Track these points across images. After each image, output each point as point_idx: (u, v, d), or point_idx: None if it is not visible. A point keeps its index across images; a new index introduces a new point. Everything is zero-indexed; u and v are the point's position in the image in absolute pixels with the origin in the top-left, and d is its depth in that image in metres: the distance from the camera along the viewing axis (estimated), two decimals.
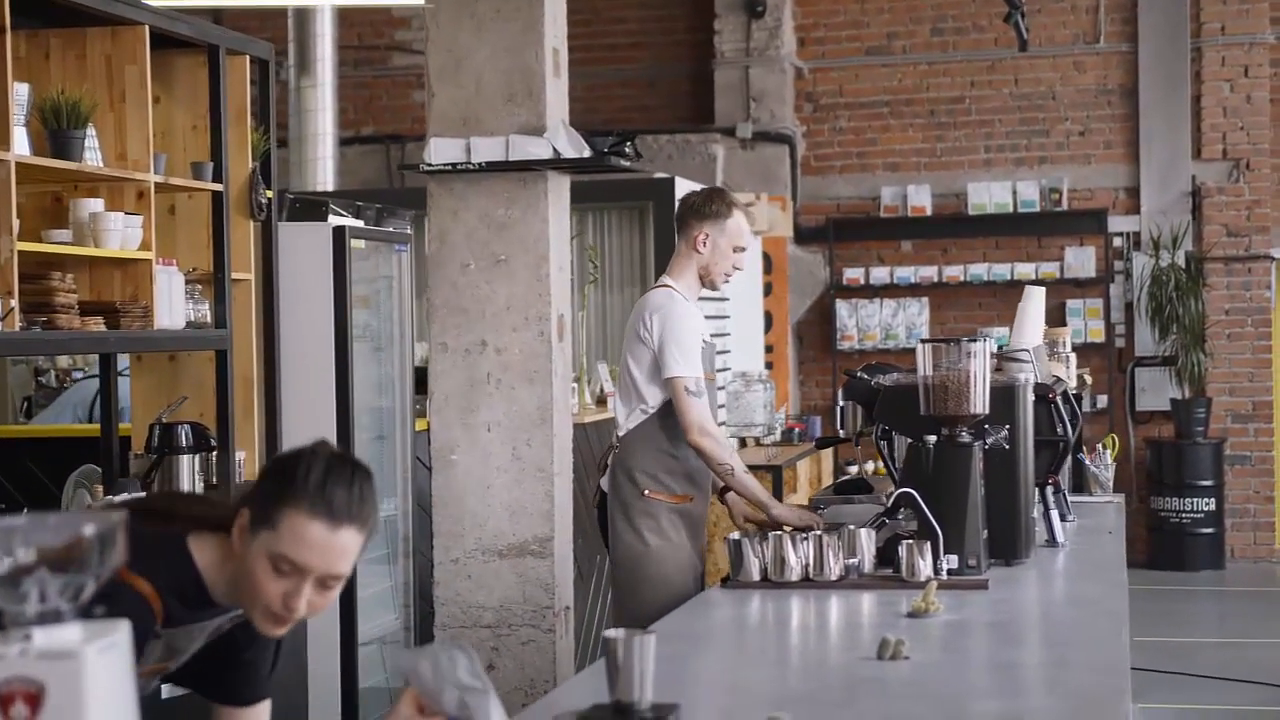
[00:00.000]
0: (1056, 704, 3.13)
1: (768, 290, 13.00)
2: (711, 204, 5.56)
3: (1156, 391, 13.18)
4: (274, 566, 2.68)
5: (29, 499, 6.53)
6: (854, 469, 12.67)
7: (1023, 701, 3.21)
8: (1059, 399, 5.29)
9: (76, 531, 1.81)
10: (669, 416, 5.42)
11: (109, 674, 1.81)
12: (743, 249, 5.60)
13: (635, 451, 5.48)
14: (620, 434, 5.53)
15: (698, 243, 5.53)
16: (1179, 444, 12.91)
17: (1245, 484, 13.21)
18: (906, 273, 13.47)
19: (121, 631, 1.85)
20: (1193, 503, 12.83)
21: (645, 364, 5.43)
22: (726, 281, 5.69)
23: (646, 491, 5.44)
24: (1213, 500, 12.85)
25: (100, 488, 5.69)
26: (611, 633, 2.83)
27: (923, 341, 4.66)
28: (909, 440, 4.75)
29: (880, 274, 13.50)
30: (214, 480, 5.84)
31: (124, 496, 5.29)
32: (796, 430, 11.29)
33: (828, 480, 10.93)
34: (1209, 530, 12.87)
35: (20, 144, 4.92)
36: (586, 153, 6.05)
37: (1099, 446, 6.84)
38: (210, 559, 2.79)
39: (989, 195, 13.33)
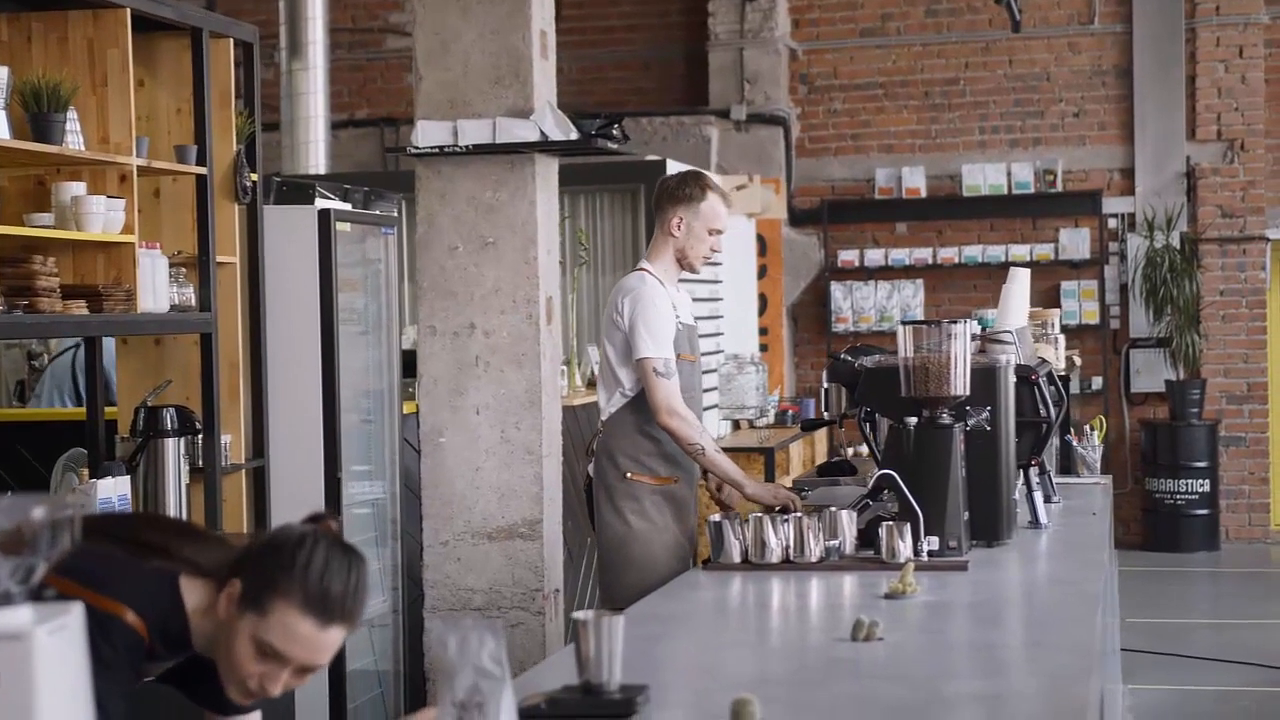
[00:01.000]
0: (1023, 683, 3.14)
1: (762, 272, 13.00)
2: (685, 187, 5.57)
3: (1151, 373, 13.18)
4: (257, 650, 2.68)
5: (20, 482, 6.54)
6: (849, 451, 12.69)
7: (990, 681, 3.21)
8: (1042, 380, 5.29)
9: (26, 515, 1.81)
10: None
11: (60, 656, 1.82)
12: (718, 231, 5.60)
13: (617, 435, 5.50)
14: (603, 418, 5.56)
15: (672, 226, 5.55)
16: (1174, 425, 12.91)
17: (1240, 465, 13.21)
18: (901, 255, 13.46)
19: (73, 614, 1.85)
20: (1187, 484, 12.83)
21: (620, 347, 5.48)
22: (707, 263, 5.70)
23: (629, 474, 5.47)
24: (1207, 482, 12.86)
25: (86, 471, 5.69)
26: (580, 615, 2.84)
27: (903, 323, 4.67)
28: (890, 422, 4.75)
29: (875, 256, 13.50)
30: (199, 464, 5.84)
31: (115, 510, 5.21)
32: (790, 413, 11.29)
33: (821, 462, 10.93)
34: (1204, 512, 12.88)
35: (1, 128, 4.92)
36: (573, 135, 6.04)
37: (1086, 428, 6.84)
38: (197, 604, 2.77)
39: (983, 177, 13.33)
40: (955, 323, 4.63)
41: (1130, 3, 13.25)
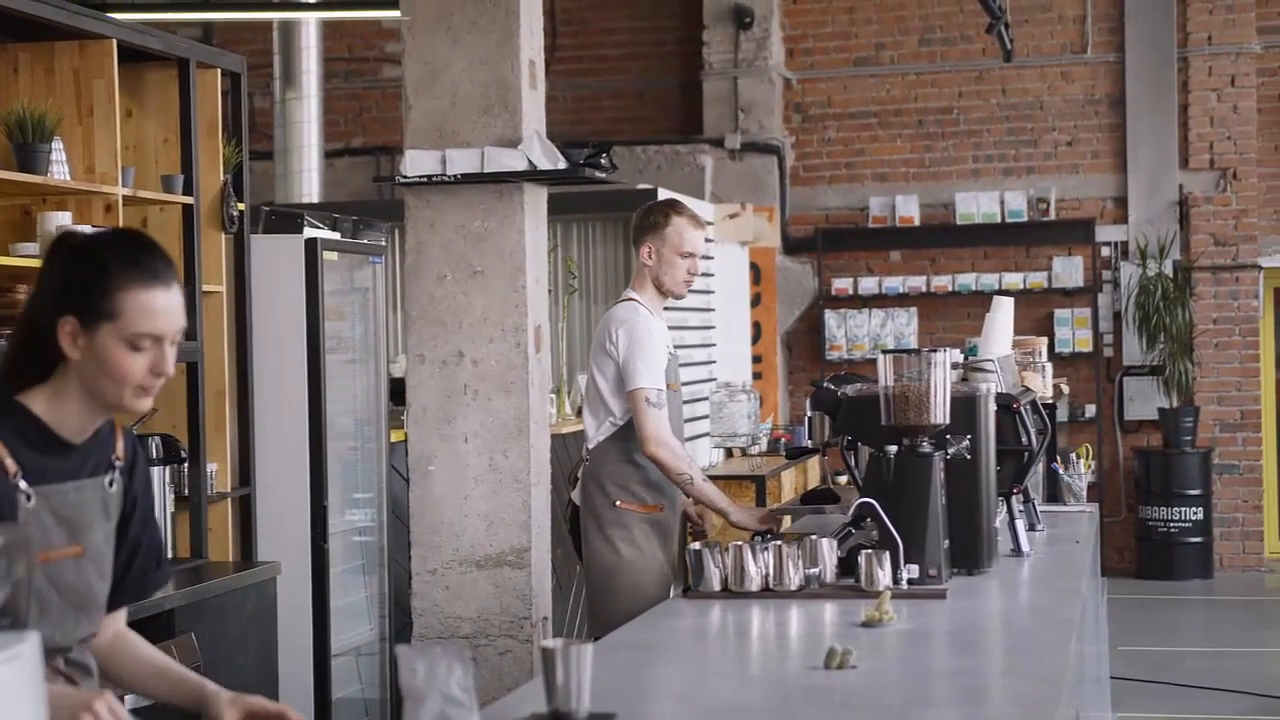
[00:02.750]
0: (991, 712, 3.14)
1: (756, 301, 13.03)
2: (649, 216, 5.72)
3: (1144, 401, 13.19)
4: (132, 347, 2.78)
5: None
6: (843, 479, 12.68)
7: (961, 710, 3.21)
8: (1025, 409, 5.30)
9: None
10: None
11: (14, 685, 1.83)
12: (690, 254, 5.66)
13: (606, 463, 5.55)
14: (590, 446, 5.60)
15: (644, 255, 5.67)
16: (1167, 453, 12.92)
17: (1233, 493, 13.21)
18: (895, 283, 13.48)
19: (29, 643, 1.86)
20: (1181, 512, 12.83)
21: (611, 377, 5.52)
22: (687, 287, 5.74)
23: (618, 502, 5.50)
24: (1201, 509, 12.86)
25: None
26: (548, 643, 2.85)
27: (884, 352, 4.68)
28: (871, 450, 4.76)
29: (869, 284, 13.52)
30: (185, 492, 5.86)
31: None
32: (783, 440, 11.30)
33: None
34: (1197, 539, 12.88)
35: None
36: (561, 164, 6.07)
37: (1073, 456, 6.84)
38: (44, 405, 2.84)
39: (977, 205, 13.35)
40: (935, 351, 4.64)
41: (1123, 32, 13.29)
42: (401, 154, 14.05)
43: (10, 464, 2.78)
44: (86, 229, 2.94)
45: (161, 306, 2.81)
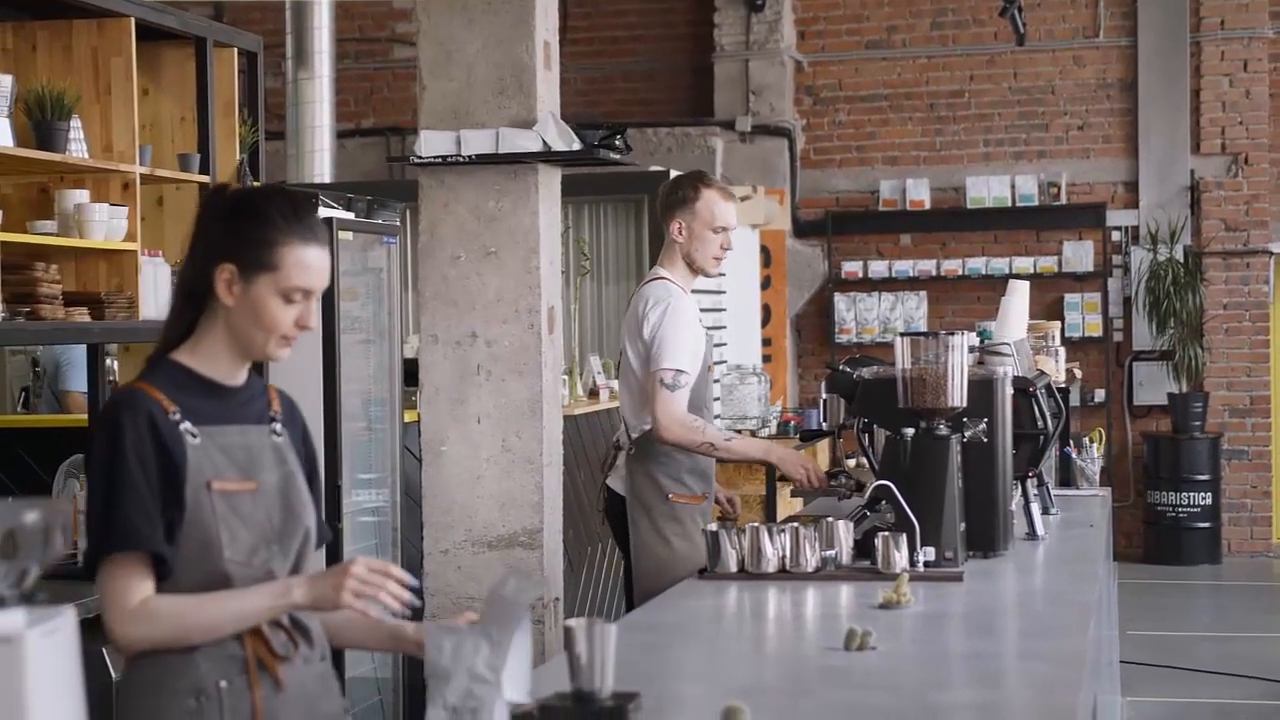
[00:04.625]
0: (1014, 694, 3.15)
1: (766, 283, 13.02)
2: (677, 190, 5.55)
3: (1154, 386, 13.19)
4: (285, 299, 2.94)
5: (21, 488, 6.56)
6: (851, 462, 12.69)
7: (982, 692, 3.22)
8: (1040, 392, 5.30)
9: (18, 519, 1.83)
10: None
11: (52, 659, 1.84)
12: (722, 229, 5.52)
13: (655, 452, 5.41)
14: (634, 435, 5.45)
15: (675, 232, 5.52)
16: (1176, 438, 12.92)
17: (1242, 478, 13.22)
18: (905, 266, 13.48)
19: (65, 617, 1.87)
20: (1189, 497, 12.84)
21: (646, 361, 5.40)
22: (719, 264, 5.60)
23: (670, 494, 5.39)
24: (1209, 494, 12.86)
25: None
26: (572, 622, 2.85)
27: (901, 334, 4.67)
28: (887, 433, 4.76)
29: (879, 268, 13.52)
30: None
31: None
32: (793, 423, 11.29)
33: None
34: (1206, 525, 12.88)
35: (4, 135, 4.95)
36: (576, 145, 6.06)
37: (1086, 440, 6.85)
38: (188, 355, 3.00)
39: (988, 189, 13.35)
40: (952, 334, 4.63)
41: (1135, 16, 13.27)
42: (412, 135, 14.04)
43: (169, 406, 2.93)
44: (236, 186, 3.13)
45: (317, 263, 2.97)
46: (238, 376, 3.05)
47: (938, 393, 4.59)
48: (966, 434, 4.67)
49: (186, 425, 2.93)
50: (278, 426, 3.10)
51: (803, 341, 13.83)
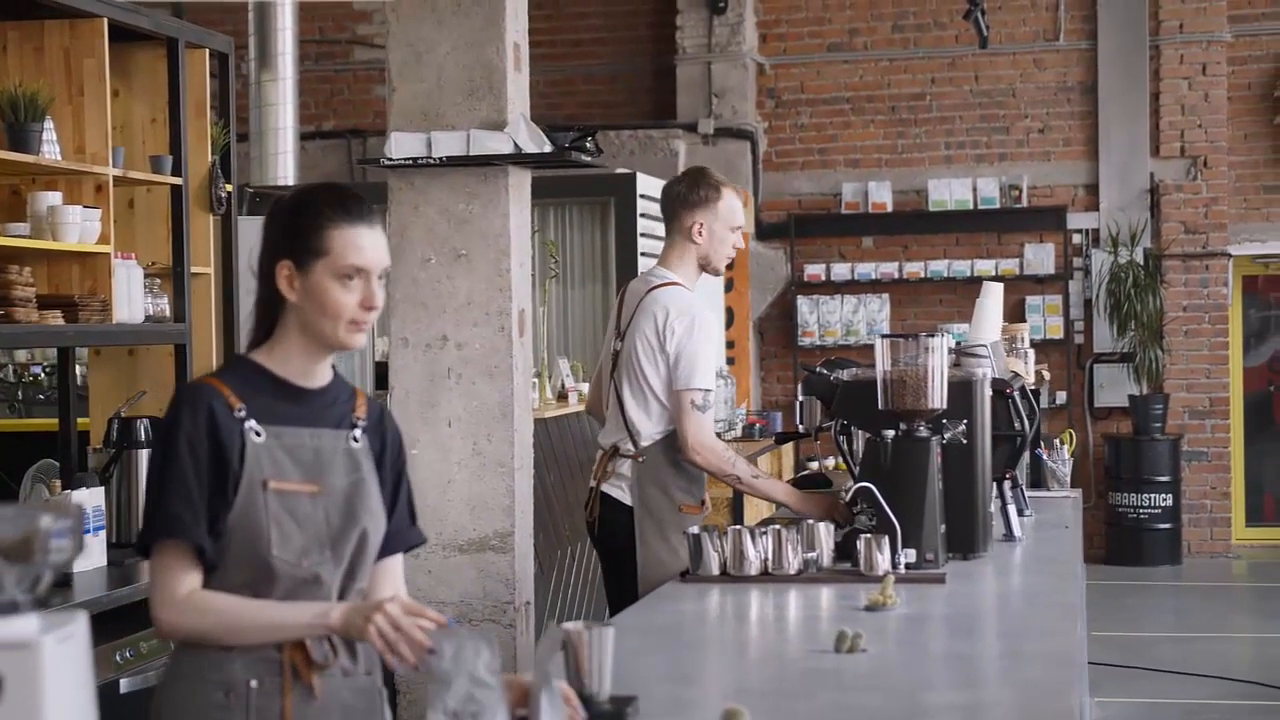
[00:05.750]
0: (1009, 695, 3.15)
1: (729, 286, 13.03)
2: (699, 189, 5.32)
3: (1115, 388, 13.26)
4: (342, 282, 2.98)
5: None
6: (814, 464, 12.72)
7: (976, 693, 3.23)
8: (1016, 394, 5.31)
9: (33, 523, 1.81)
10: None
11: (68, 665, 1.81)
12: (738, 227, 5.37)
13: (665, 462, 5.25)
14: (643, 443, 5.27)
15: (693, 233, 5.31)
16: (1137, 440, 12.99)
17: (1202, 480, 13.30)
18: (867, 269, 13.51)
19: (79, 623, 1.85)
20: (1150, 498, 12.91)
21: (665, 372, 5.21)
22: (727, 262, 5.47)
23: (682, 506, 5.26)
24: (1170, 496, 12.94)
25: (58, 482, 5.66)
26: (571, 625, 2.84)
27: (882, 336, 4.68)
28: (867, 435, 4.76)
29: (841, 270, 13.54)
30: None
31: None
32: (758, 426, 11.32)
33: (789, 475, 10.96)
34: (1166, 526, 12.96)
35: None
36: (547, 148, 6.05)
37: (1056, 442, 6.87)
38: (266, 356, 3.06)
39: (949, 192, 13.39)
40: (933, 336, 4.64)
41: (1095, 20, 13.34)
42: (374, 137, 13.92)
43: (235, 402, 2.98)
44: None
45: (367, 242, 3.01)
46: (317, 378, 3.09)
47: (918, 394, 4.59)
48: (946, 436, 4.67)
49: (252, 423, 2.98)
50: (357, 433, 3.12)
51: (766, 344, 13.84)
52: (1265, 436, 13.81)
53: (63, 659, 1.80)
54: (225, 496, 2.94)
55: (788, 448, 11.92)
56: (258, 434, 2.98)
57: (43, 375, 9.59)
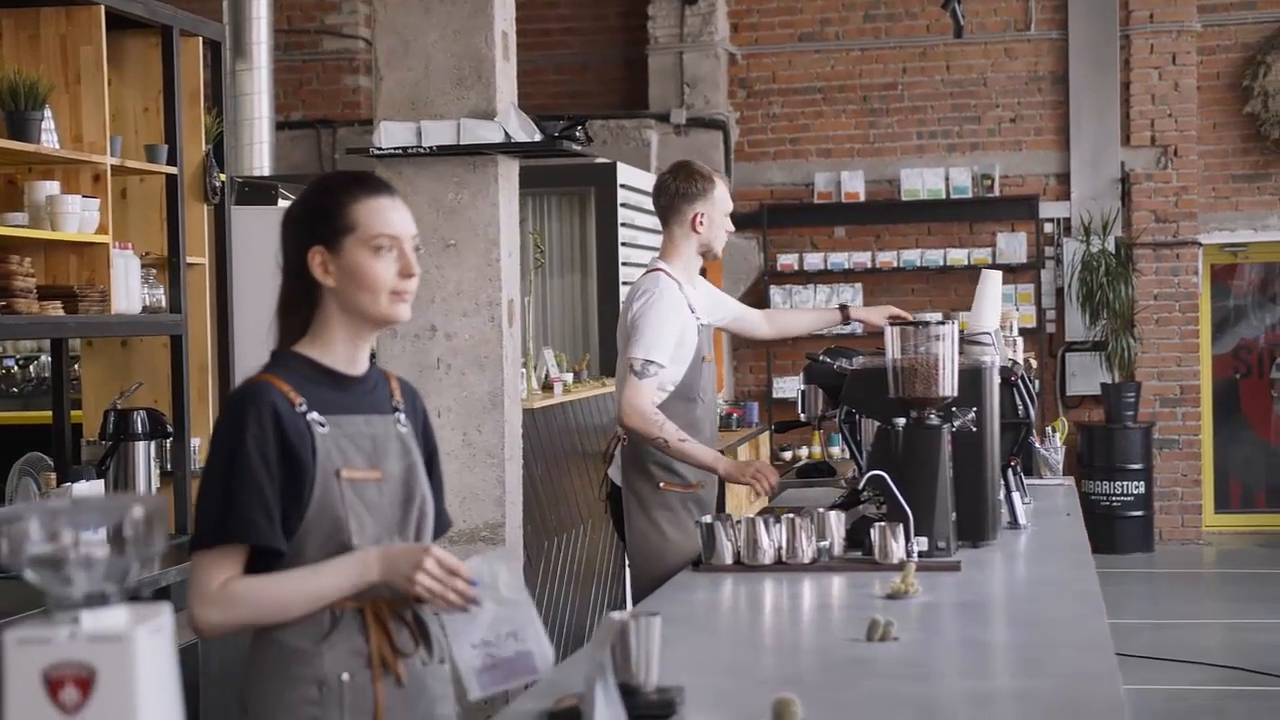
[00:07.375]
0: (1052, 683, 3.12)
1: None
2: (695, 182, 5.53)
3: (1087, 376, 13.31)
4: (376, 253, 2.97)
5: None
6: (788, 454, 12.73)
7: (1019, 681, 3.22)
8: (1019, 381, 5.32)
9: (126, 514, 1.78)
10: (677, 405, 5.36)
11: (158, 656, 1.79)
12: (729, 212, 5.64)
13: (645, 444, 5.37)
14: (628, 425, 5.36)
15: (695, 224, 5.52)
16: (1109, 428, 13.04)
17: (1173, 467, 13.36)
18: (840, 258, 13.51)
19: (166, 615, 1.82)
20: (1122, 486, 12.96)
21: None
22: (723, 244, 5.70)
23: (661, 484, 5.39)
24: (1142, 484, 12.99)
25: (52, 475, 5.60)
26: (618, 615, 2.81)
27: (891, 324, 4.67)
28: (877, 423, 4.75)
29: (814, 260, 13.54)
30: (169, 467, 5.77)
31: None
32: (735, 416, 11.32)
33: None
34: (1138, 513, 13.02)
35: None
36: (537, 137, 6.03)
37: (1048, 430, 6.88)
38: (309, 347, 3.04)
39: (922, 181, 13.40)
40: (943, 323, 4.64)
41: (1066, 9, 13.37)
42: (344, 127, 13.80)
43: (296, 397, 2.96)
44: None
45: (391, 210, 3.01)
46: (358, 365, 3.07)
47: (929, 382, 4.59)
48: (956, 423, 4.67)
49: (314, 415, 2.96)
50: (402, 417, 3.11)
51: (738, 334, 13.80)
52: (1231, 424, 13.89)
53: (153, 651, 1.78)
54: (298, 494, 2.92)
55: (764, 437, 11.92)
56: (321, 425, 2.97)
57: (15, 369, 9.51)
